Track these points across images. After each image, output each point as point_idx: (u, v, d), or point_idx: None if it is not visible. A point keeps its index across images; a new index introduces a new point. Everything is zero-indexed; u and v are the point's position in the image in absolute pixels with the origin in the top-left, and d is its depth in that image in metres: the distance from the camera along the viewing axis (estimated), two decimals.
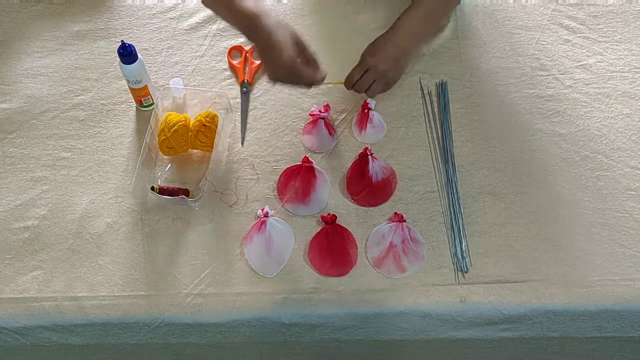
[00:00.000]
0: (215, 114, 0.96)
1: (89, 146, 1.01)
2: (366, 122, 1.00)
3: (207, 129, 0.95)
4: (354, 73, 0.97)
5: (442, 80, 1.06)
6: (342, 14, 1.15)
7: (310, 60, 0.86)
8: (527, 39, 1.11)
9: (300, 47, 0.84)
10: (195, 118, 0.96)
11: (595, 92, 1.04)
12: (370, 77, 0.97)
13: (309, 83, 0.87)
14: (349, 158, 0.99)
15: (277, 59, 0.81)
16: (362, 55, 0.98)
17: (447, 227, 0.92)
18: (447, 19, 1.11)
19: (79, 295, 0.87)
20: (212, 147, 0.95)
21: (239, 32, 0.86)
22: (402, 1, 1.04)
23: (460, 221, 0.92)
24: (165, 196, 0.91)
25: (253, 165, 0.98)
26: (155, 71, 1.09)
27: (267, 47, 0.81)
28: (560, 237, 0.90)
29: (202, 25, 1.15)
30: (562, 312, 0.85)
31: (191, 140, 0.95)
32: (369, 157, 0.96)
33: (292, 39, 0.82)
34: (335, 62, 1.07)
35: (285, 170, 0.97)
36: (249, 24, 0.82)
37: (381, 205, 0.94)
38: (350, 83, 0.98)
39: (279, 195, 0.95)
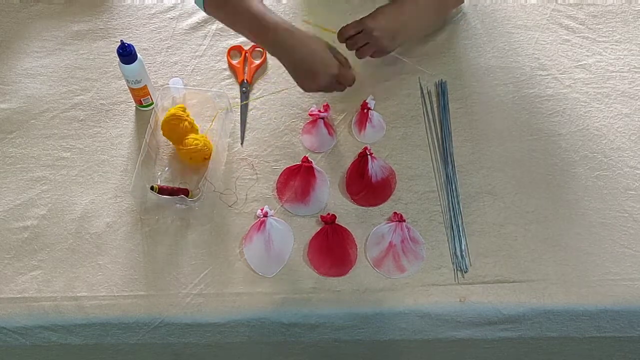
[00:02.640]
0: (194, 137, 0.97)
1: (89, 146, 1.01)
2: (366, 122, 1.00)
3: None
4: (349, 28, 0.95)
5: (442, 80, 1.06)
6: (342, 14, 1.14)
7: (343, 63, 0.89)
8: (527, 39, 1.11)
9: (332, 52, 0.87)
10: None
11: (594, 92, 1.04)
12: (363, 38, 0.95)
13: (350, 85, 0.90)
14: (348, 158, 0.99)
15: (325, 72, 0.84)
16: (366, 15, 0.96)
17: (446, 227, 0.92)
18: (454, 10, 1.11)
19: (78, 295, 0.87)
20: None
21: (257, 43, 0.90)
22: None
23: (459, 221, 0.92)
24: (164, 196, 0.91)
25: (252, 165, 0.98)
26: (155, 71, 1.09)
27: (310, 64, 0.84)
28: (559, 237, 0.90)
29: (202, 25, 1.15)
30: (562, 312, 0.85)
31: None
32: (369, 157, 0.95)
33: (327, 47, 0.86)
34: None
35: (284, 170, 0.97)
36: (280, 40, 0.84)
37: (381, 205, 0.94)
38: (343, 36, 0.96)
39: (278, 195, 0.95)
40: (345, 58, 0.90)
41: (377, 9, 0.97)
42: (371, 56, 1.00)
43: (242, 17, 0.87)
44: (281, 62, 0.88)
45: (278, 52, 0.87)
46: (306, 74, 0.86)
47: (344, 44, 0.97)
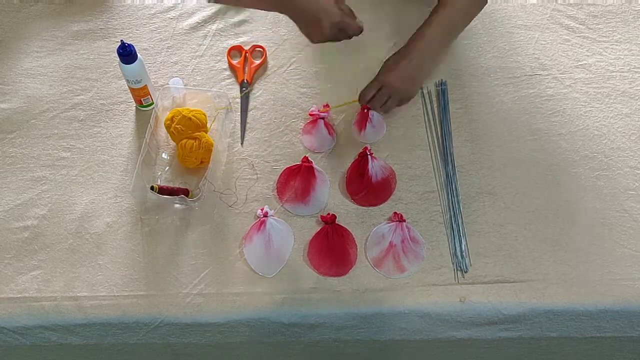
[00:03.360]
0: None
1: (89, 146, 1.01)
2: (366, 122, 1.00)
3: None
4: (369, 90, 0.97)
5: (442, 80, 1.06)
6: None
7: (347, 12, 0.88)
8: (527, 39, 1.11)
9: (337, 3, 0.87)
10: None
11: (594, 92, 1.04)
12: (384, 94, 0.97)
13: (356, 34, 0.89)
14: (348, 158, 0.99)
15: (328, 20, 0.84)
16: (378, 72, 0.97)
17: (446, 227, 0.92)
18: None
19: (78, 295, 0.87)
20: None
21: (262, 7, 0.91)
22: (405, 1, 1.04)
23: (459, 221, 0.92)
24: (164, 196, 0.91)
25: (252, 165, 0.98)
26: (155, 71, 1.09)
27: (314, 12, 0.84)
28: (559, 237, 0.90)
29: (202, 25, 1.15)
30: (562, 312, 0.85)
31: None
32: (369, 156, 0.95)
33: None
34: (336, 61, 1.08)
35: (284, 170, 0.97)
36: None
37: (381, 205, 0.94)
38: (365, 99, 0.98)
39: (278, 195, 0.95)
40: (350, 9, 0.89)
41: (388, 59, 0.97)
42: (398, 106, 1.00)
43: None
44: (287, 14, 0.87)
45: (282, 5, 0.87)
46: (309, 24, 0.86)
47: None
